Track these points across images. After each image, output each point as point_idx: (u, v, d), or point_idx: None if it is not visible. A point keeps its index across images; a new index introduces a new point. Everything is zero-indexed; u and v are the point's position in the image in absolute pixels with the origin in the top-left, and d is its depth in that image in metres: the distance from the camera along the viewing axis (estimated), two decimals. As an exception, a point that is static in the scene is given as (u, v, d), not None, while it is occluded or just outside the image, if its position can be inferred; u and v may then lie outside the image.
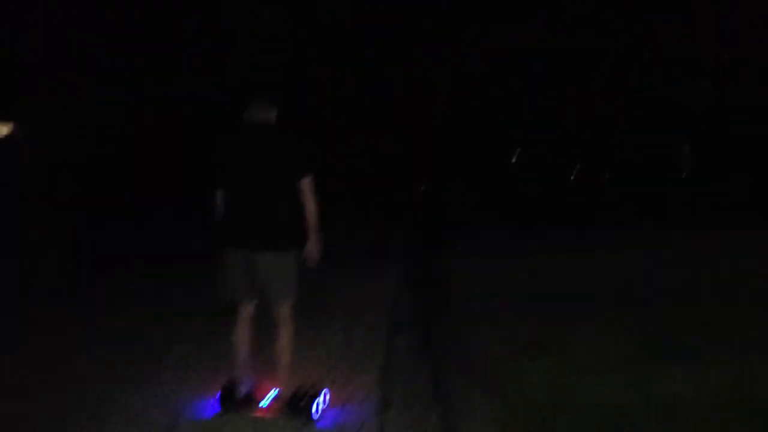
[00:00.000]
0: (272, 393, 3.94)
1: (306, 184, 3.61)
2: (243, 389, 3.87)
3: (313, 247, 3.76)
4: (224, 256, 3.74)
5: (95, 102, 15.51)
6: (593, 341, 5.18)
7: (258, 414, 3.82)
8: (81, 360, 5.05)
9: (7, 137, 16.80)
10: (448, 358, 5.13)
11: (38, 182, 14.68)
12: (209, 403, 3.99)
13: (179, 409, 4.05)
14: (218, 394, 3.92)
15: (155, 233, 11.79)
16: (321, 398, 3.91)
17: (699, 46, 21.44)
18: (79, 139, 15.46)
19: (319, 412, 3.91)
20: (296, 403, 3.83)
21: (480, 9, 21.13)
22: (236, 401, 3.82)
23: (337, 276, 8.98)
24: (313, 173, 3.62)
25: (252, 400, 3.88)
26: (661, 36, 22.04)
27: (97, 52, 15.60)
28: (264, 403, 3.90)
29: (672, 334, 5.32)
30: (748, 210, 16.99)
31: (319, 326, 6.11)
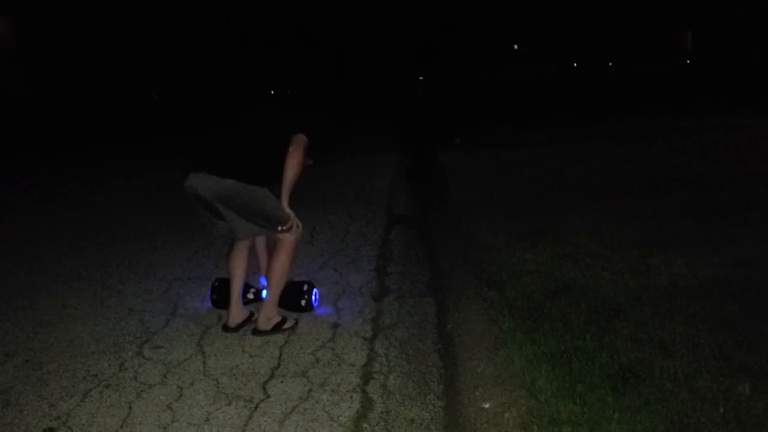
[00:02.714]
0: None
1: (295, 141, 3.44)
2: (233, 321, 3.69)
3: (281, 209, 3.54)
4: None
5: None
6: (592, 228, 5.18)
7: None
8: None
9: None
10: (445, 249, 5.16)
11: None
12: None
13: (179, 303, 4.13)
14: (209, 292, 3.94)
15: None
16: (312, 294, 3.93)
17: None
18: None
19: (317, 301, 3.97)
20: (295, 298, 3.86)
21: None
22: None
23: (336, 168, 8.96)
24: (305, 135, 3.47)
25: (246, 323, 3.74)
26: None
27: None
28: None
29: (674, 221, 5.31)
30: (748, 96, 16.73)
31: (316, 218, 6.12)
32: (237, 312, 3.69)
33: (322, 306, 4.00)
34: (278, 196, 3.51)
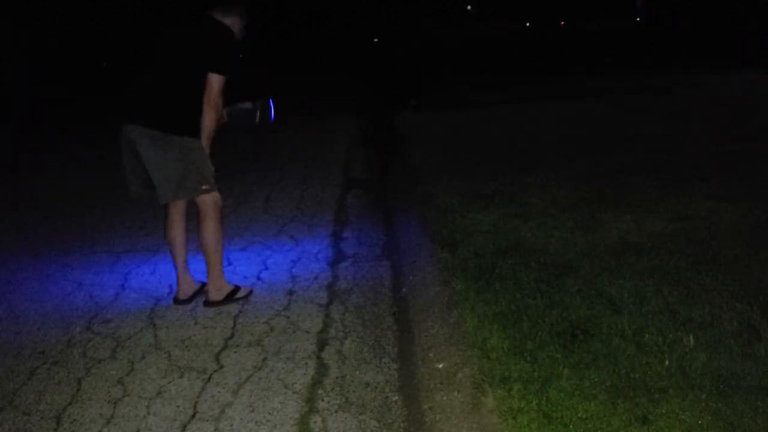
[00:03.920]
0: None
1: (211, 81, 3.25)
2: (183, 292, 3.61)
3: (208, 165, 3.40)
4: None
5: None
6: (544, 188, 5.24)
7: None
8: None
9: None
10: (401, 213, 5.17)
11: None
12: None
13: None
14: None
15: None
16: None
17: None
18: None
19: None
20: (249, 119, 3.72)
21: None
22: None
23: (292, 132, 8.84)
24: (221, 74, 3.25)
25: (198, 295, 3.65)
26: None
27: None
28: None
29: (626, 179, 5.39)
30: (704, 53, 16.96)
31: (271, 184, 6.05)
32: (185, 283, 3.63)
33: (277, 272, 3.97)
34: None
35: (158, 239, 4.57)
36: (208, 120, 3.30)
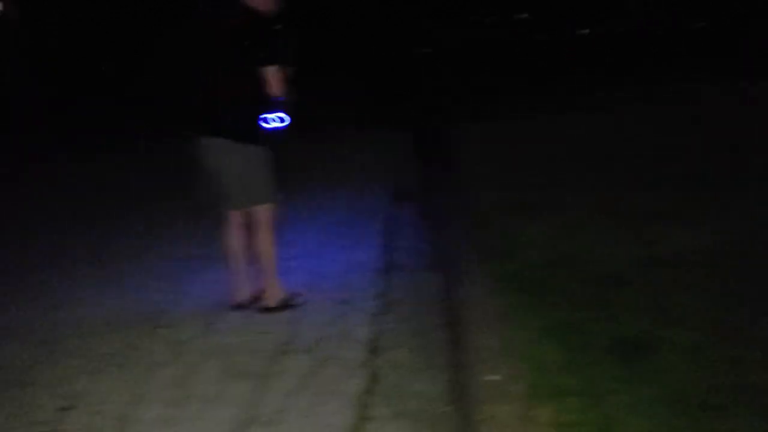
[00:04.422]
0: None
1: (268, 75, 3.27)
2: (241, 297, 3.71)
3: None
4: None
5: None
6: (592, 200, 5.18)
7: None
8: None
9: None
10: (452, 224, 5.17)
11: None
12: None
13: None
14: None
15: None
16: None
17: None
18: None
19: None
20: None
21: None
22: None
23: (340, 146, 8.93)
24: (274, 64, 3.25)
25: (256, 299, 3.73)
26: None
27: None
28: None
29: (673, 193, 5.29)
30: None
31: (322, 196, 6.14)
32: (243, 290, 3.72)
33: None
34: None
35: (214, 246, 4.68)
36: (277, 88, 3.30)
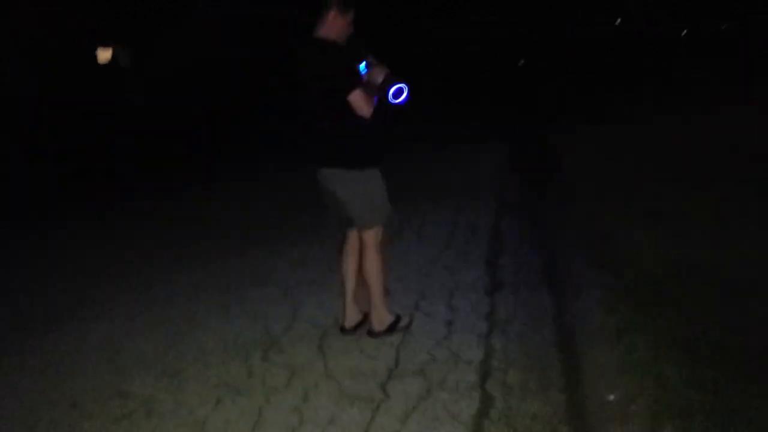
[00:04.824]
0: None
1: (352, 102, 3.28)
2: (351, 320, 3.78)
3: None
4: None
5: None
6: (713, 206, 4.89)
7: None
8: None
9: (111, 61, 17.53)
10: (558, 236, 5.04)
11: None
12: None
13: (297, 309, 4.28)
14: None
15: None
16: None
17: None
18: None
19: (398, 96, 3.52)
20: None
21: None
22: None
23: (442, 160, 8.94)
24: (354, 89, 3.27)
25: (362, 324, 3.79)
26: None
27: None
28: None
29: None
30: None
31: (424, 212, 6.14)
32: (352, 313, 3.78)
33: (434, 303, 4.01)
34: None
35: (322, 272, 4.80)
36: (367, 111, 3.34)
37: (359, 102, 3.29)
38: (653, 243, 4.22)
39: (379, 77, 3.42)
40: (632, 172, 6.50)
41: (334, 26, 3.38)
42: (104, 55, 17.71)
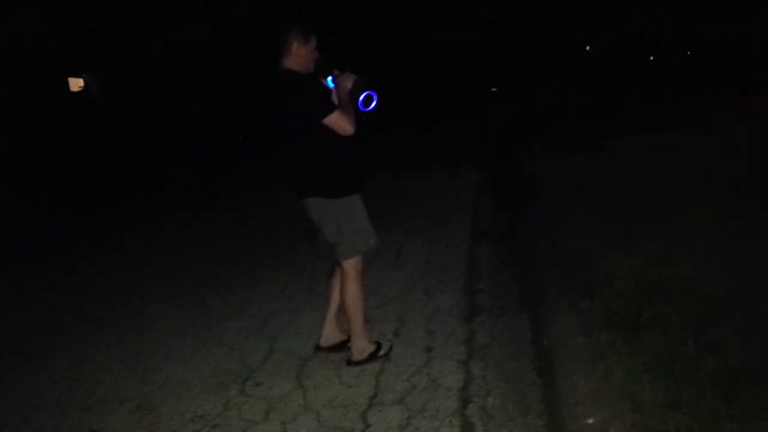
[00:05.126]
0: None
1: (331, 123, 3.28)
2: (325, 341, 3.81)
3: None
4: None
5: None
6: (687, 225, 4.97)
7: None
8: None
9: (82, 90, 17.46)
10: (535, 261, 5.07)
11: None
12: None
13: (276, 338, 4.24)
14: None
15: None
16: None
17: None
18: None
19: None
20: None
21: None
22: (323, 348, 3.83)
23: (417, 185, 8.98)
24: (332, 112, 3.27)
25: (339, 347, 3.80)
26: None
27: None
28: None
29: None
30: None
31: (400, 240, 6.15)
32: (330, 333, 3.79)
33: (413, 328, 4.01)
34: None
35: (300, 301, 4.77)
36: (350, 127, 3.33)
37: (338, 122, 3.29)
38: (628, 265, 4.26)
39: (348, 83, 3.44)
40: (606, 194, 6.59)
41: (297, 57, 3.40)
42: (76, 83, 17.66)
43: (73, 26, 15.33)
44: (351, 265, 3.57)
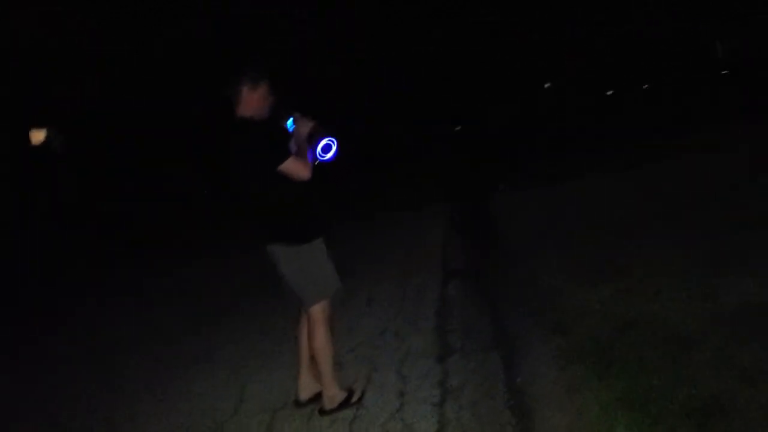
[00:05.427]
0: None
1: (286, 170, 3.26)
2: (304, 394, 3.69)
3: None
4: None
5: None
6: (651, 255, 5.03)
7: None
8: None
9: (43, 143, 17.22)
10: (505, 299, 5.07)
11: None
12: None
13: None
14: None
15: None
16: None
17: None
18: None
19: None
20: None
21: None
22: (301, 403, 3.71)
23: (386, 228, 9.00)
24: (286, 158, 3.25)
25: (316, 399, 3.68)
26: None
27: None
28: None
29: (733, 240, 5.08)
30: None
31: (371, 284, 6.12)
32: (306, 384, 3.67)
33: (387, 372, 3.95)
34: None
35: (273, 347, 4.68)
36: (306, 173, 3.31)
37: (293, 168, 3.27)
38: (598, 300, 4.29)
39: (304, 129, 3.42)
40: (572, 231, 6.66)
41: (249, 103, 3.38)
42: (37, 136, 17.41)
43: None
44: (317, 311, 3.50)
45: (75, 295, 7.62)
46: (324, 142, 3.45)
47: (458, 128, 26.58)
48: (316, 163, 3.46)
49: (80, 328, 5.97)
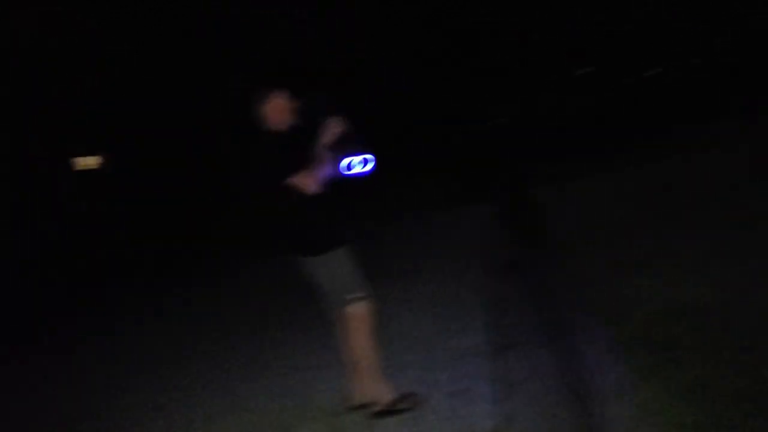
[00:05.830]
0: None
1: (297, 182, 3.32)
2: (357, 399, 3.68)
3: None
4: None
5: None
6: (702, 244, 5.11)
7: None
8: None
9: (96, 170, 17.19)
10: (556, 291, 5.03)
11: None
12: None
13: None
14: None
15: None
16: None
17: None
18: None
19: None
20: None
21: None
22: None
23: (421, 227, 8.98)
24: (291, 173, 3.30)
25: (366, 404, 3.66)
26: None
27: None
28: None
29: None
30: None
31: (424, 281, 6.13)
32: (357, 388, 3.65)
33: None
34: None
35: (327, 354, 4.67)
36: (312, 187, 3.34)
37: (300, 182, 3.31)
38: (652, 289, 4.33)
39: (329, 138, 3.39)
40: (621, 221, 6.71)
41: (267, 117, 3.44)
42: (88, 162, 17.38)
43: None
44: (355, 314, 3.51)
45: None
46: (357, 159, 3.41)
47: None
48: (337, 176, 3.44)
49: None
